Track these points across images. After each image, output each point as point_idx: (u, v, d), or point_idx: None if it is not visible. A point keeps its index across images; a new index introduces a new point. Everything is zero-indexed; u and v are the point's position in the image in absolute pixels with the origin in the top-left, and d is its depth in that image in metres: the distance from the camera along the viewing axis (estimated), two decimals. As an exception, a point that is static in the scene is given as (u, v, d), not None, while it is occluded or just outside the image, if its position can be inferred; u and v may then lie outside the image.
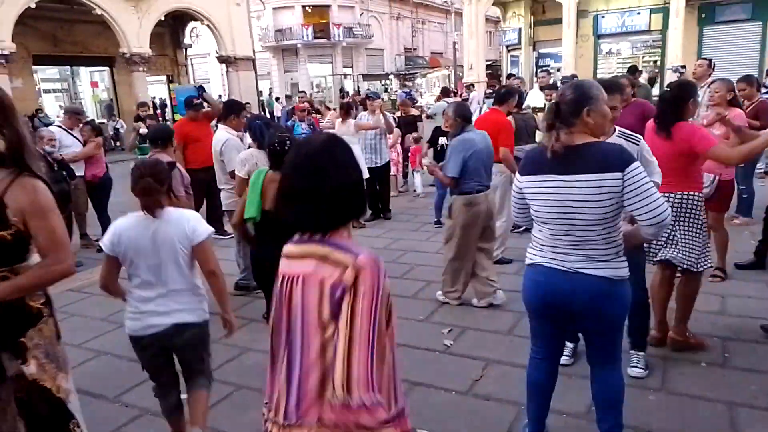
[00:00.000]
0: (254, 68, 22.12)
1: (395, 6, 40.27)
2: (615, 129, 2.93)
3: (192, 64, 28.90)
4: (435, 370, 3.52)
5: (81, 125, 7.11)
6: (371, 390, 1.30)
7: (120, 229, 2.48)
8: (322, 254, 1.42)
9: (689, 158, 3.30)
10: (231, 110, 5.71)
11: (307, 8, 35.08)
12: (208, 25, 20.58)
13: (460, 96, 16.77)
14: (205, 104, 7.03)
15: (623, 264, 2.30)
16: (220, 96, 28.54)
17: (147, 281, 2.49)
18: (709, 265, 3.46)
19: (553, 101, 2.35)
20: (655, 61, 19.01)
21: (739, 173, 6.06)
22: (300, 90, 26.80)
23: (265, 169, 3.48)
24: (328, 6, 35.42)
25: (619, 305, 2.33)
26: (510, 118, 5.75)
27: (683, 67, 9.18)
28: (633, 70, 9.11)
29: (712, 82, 5.39)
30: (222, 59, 21.23)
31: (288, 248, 1.53)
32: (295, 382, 1.43)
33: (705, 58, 7.11)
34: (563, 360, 2.97)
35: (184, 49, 23.80)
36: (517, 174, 2.49)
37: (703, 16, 18.87)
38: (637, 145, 2.90)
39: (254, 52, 22.66)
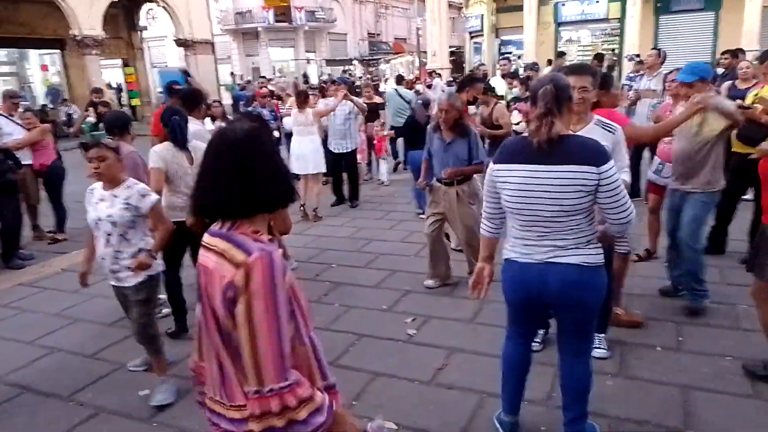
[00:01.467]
0: (213, 52, 21.59)
1: (358, -10, 39.81)
2: (593, 117, 2.94)
3: (149, 48, 27.96)
4: (398, 360, 3.52)
5: (21, 111, 6.78)
6: (282, 378, 1.36)
7: None
8: (222, 249, 1.43)
9: None
10: (195, 101, 5.16)
11: (268, -10, 34.29)
12: (164, 7, 19.92)
13: (424, 82, 16.74)
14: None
15: (594, 251, 2.29)
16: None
17: None
18: (627, 249, 3.60)
19: (548, 84, 2.22)
20: (613, 50, 19.37)
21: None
22: (261, 75, 26.37)
23: None
24: (290, -12, 34.70)
25: (591, 292, 2.33)
26: (500, 105, 5.81)
27: (638, 55, 9.37)
28: (599, 57, 9.17)
29: (668, 72, 5.51)
30: (180, 42, 20.62)
31: (204, 236, 1.53)
32: (216, 366, 1.51)
33: (656, 48, 7.28)
34: (533, 346, 2.99)
35: (139, 32, 22.96)
36: (491, 163, 2.42)
37: (659, 5, 19.29)
38: (613, 134, 2.89)
39: (213, 35, 22.08)
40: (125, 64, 22.38)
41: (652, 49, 7.35)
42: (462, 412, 2.95)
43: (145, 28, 23.41)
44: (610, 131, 2.89)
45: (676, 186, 3.97)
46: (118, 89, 22.09)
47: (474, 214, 4.50)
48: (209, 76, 20.49)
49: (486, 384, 3.13)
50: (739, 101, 4.70)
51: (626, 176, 2.92)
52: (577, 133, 2.35)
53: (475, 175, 4.61)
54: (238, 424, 1.47)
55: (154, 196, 3.07)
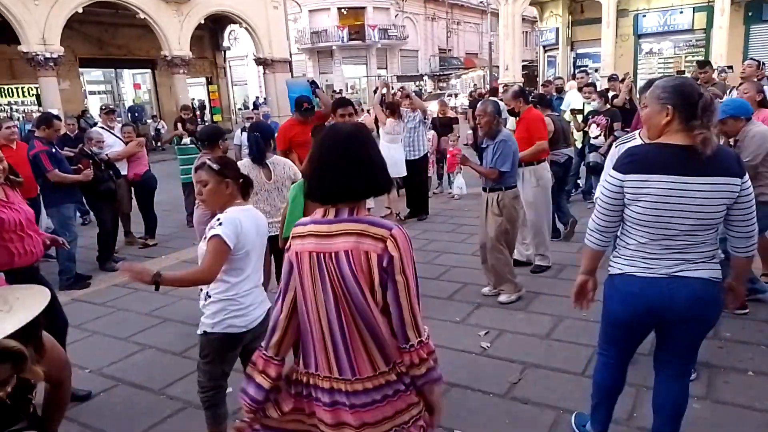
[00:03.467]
0: (290, 70, 22.42)
1: (430, 7, 40.20)
2: None
3: (230, 66, 29.47)
4: (472, 372, 3.51)
5: (122, 126, 7.34)
6: (424, 330, 1.66)
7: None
8: (360, 230, 1.61)
9: None
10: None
11: (342, 10, 35.34)
12: (246, 28, 20.94)
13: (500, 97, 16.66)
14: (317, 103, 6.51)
15: (717, 267, 2.21)
16: (257, 98, 29.04)
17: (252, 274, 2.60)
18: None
19: (709, 97, 2.13)
20: (697, 61, 18.46)
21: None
22: (333, 90, 27.10)
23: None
24: (364, 8, 35.61)
25: (714, 308, 2.26)
26: (548, 119, 5.69)
27: (730, 67, 8.87)
28: (703, 65, 8.60)
29: (740, 84, 5.24)
30: (259, 61, 21.57)
31: (314, 228, 1.68)
32: (340, 346, 1.67)
33: (753, 59, 6.90)
34: None
35: (222, 52, 24.29)
36: (612, 172, 2.25)
37: (750, 13, 18.28)
38: None
39: (290, 54, 22.96)
40: (209, 82, 23.70)
41: (750, 59, 6.97)
42: (538, 427, 2.91)
43: (228, 48, 24.72)
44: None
45: None
46: (201, 106, 23.37)
47: (497, 227, 4.55)
48: (286, 94, 21.28)
49: (562, 400, 3.07)
50: None
51: None
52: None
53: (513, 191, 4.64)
54: (361, 395, 1.66)
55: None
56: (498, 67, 25.13)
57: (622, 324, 2.38)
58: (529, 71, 28.26)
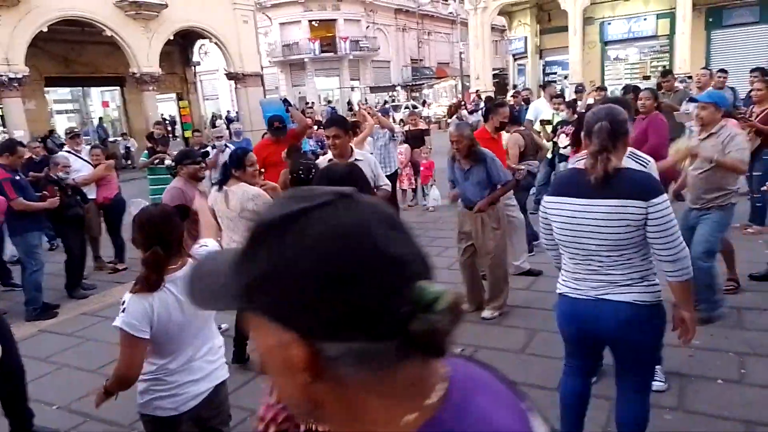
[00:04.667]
0: (262, 84, 22.31)
1: (401, 18, 40.52)
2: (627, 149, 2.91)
3: (201, 81, 29.23)
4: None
5: (90, 147, 7.21)
6: None
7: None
8: None
9: None
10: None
11: (313, 23, 35.40)
12: (216, 43, 20.80)
13: (469, 106, 16.82)
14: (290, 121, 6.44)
15: (649, 289, 2.23)
16: (228, 112, 28.87)
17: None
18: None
19: (604, 119, 2.23)
20: (663, 67, 18.94)
21: (754, 182, 6.03)
22: (307, 102, 27.05)
23: None
24: (335, 20, 35.72)
25: (645, 332, 2.27)
26: (515, 135, 5.76)
27: (690, 77, 9.12)
28: (665, 74, 8.76)
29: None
30: (230, 76, 21.42)
31: None
32: None
33: (706, 68, 7.12)
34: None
35: (192, 67, 24.08)
36: (545, 195, 2.46)
37: (710, 20, 18.82)
38: (645, 167, 2.80)
39: (262, 67, 22.87)
40: (179, 98, 23.45)
41: (702, 68, 7.19)
42: (514, 446, 2.90)
43: (198, 63, 24.52)
44: (642, 164, 2.80)
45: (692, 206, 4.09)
46: (172, 122, 23.10)
47: (498, 240, 4.55)
48: (259, 108, 21.17)
49: (538, 417, 3.07)
50: None
51: None
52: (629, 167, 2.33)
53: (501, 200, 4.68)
54: None
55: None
56: (469, 76, 25.40)
57: (567, 340, 2.50)
58: (500, 79, 28.61)
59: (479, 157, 4.48)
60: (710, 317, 3.97)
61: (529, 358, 3.83)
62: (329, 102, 26.20)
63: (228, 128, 14.72)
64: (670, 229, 2.12)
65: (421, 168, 9.28)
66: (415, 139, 9.43)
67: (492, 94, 21.42)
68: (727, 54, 18.12)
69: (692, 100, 5.23)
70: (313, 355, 0.56)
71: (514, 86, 18.88)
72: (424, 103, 29.19)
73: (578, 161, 2.98)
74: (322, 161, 3.95)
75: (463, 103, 19.43)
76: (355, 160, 3.81)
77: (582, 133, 2.47)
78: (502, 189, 4.54)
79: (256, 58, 21.90)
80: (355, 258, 0.55)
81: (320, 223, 0.57)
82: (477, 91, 21.32)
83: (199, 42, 23.35)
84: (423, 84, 37.12)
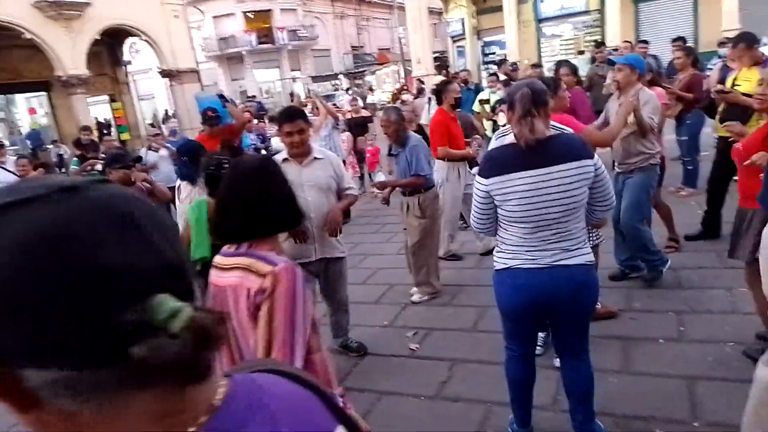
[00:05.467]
0: (199, 80, 21.65)
1: (338, 5, 40.05)
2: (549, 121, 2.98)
3: (134, 81, 28.10)
4: (402, 376, 3.50)
5: (16, 158, 6.81)
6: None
7: None
8: (246, 264, 1.58)
9: None
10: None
11: (248, 14, 34.55)
12: (146, 40, 20.01)
13: (410, 91, 16.80)
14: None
15: (589, 250, 2.36)
16: (166, 111, 27.89)
17: None
18: (599, 239, 3.65)
19: (524, 88, 2.28)
20: (595, 40, 19.43)
21: (683, 147, 6.29)
22: (248, 96, 26.44)
23: (203, 199, 3.27)
24: (269, 10, 34.97)
25: (594, 290, 2.42)
26: None
27: (616, 49, 9.43)
28: (598, 45, 9.03)
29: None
30: (164, 73, 20.67)
31: (217, 259, 1.69)
32: None
33: (628, 41, 7.35)
34: (536, 350, 2.98)
35: (123, 67, 23.08)
36: (478, 179, 2.41)
37: (637, -8, 19.38)
38: None
39: (197, 63, 22.18)
40: (112, 100, 22.46)
41: (625, 41, 7.40)
42: (469, 425, 2.93)
43: (129, 62, 23.52)
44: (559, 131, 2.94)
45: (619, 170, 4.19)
46: (107, 125, 22.15)
47: (422, 229, 4.58)
48: (197, 106, 20.57)
49: (491, 393, 3.11)
50: (719, 86, 4.75)
51: None
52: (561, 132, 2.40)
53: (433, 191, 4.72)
54: None
55: None
56: (411, 60, 25.39)
57: (514, 317, 2.49)
58: (441, 62, 28.75)
59: (403, 142, 4.51)
60: (654, 276, 4.15)
61: (480, 335, 3.87)
62: (253, 97, 25.02)
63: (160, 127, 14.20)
64: (609, 181, 2.31)
65: (367, 155, 9.23)
66: (358, 126, 9.35)
67: (436, 80, 21.51)
68: (655, 25, 18.72)
69: (610, 62, 5.36)
70: (13, 384, 0.46)
71: (447, 67, 18.93)
72: (371, 89, 29.04)
73: (501, 137, 3.02)
74: (277, 161, 3.53)
75: (405, 87, 19.41)
76: (315, 158, 3.40)
77: (506, 107, 2.47)
78: (409, 180, 4.50)
79: (190, 53, 21.22)
80: (52, 269, 0.45)
81: (17, 223, 0.46)
82: (419, 77, 21.33)
83: (128, 40, 22.39)
84: (365, 71, 36.91)
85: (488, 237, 2.59)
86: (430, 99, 9.89)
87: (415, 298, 4.63)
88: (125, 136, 21.16)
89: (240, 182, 1.67)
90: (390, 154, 4.79)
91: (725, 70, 5.84)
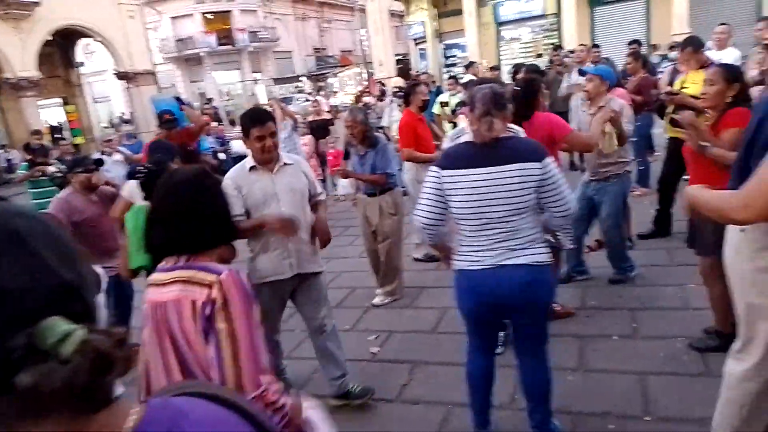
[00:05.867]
0: (156, 82, 21.21)
1: (299, 6, 39.79)
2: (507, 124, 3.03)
3: (89, 83, 27.31)
4: (363, 380, 3.47)
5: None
6: (257, 386, 1.45)
7: None
8: (186, 276, 1.54)
9: (548, 145, 3.52)
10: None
11: (207, 15, 33.97)
12: (101, 41, 19.48)
13: (374, 94, 16.81)
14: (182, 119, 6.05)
15: (542, 250, 2.36)
16: (122, 114, 27.19)
17: None
18: (571, 245, 3.65)
19: (486, 89, 2.32)
20: (553, 43, 19.85)
21: (634, 148, 6.47)
22: (207, 99, 25.96)
23: (142, 206, 3.15)
24: (229, 11, 34.47)
25: (543, 290, 2.41)
26: None
27: (572, 51, 9.71)
28: (556, 48, 9.35)
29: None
30: (120, 75, 20.19)
31: (155, 276, 1.62)
32: None
33: (584, 44, 7.55)
34: (496, 349, 2.99)
35: (77, 68, 22.39)
36: (433, 169, 2.43)
37: (592, -3, 19.90)
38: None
39: (154, 65, 21.71)
40: (65, 102, 21.76)
41: (581, 44, 7.60)
42: (429, 427, 2.93)
43: (83, 64, 22.85)
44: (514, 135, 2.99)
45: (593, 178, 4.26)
46: (60, 128, 21.44)
47: (394, 226, 4.62)
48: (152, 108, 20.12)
49: (451, 395, 3.12)
50: (668, 87, 4.91)
51: None
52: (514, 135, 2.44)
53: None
54: None
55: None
56: (372, 63, 25.43)
57: (469, 316, 2.53)
58: (404, 65, 28.85)
59: (373, 142, 4.53)
60: (619, 279, 4.28)
61: (441, 336, 3.89)
62: (210, 100, 24.10)
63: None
64: (562, 186, 2.31)
65: (329, 158, 9.18)
66: (320, 129, 9.30)
67: (401, 82, 21.59)
68: (610, 29, 19.27)
69: (582, 72, 5.49)
70: None
71: (408, 70, 19.05)
72: (320, 91, 28.94)
73: (459, 137, 3.06)
74: (242, 168, 2.99)
75: (367, 90, 19.42)
76: (285, 164, 3.00)
77: (467, 107, 2.49)
78: (375, 177, 4.53)
79: (146, 55, 20.77)
80: None
81: None
82: (381, 80, 21.38)
83: (82, 41, 21.75)
84: (328, 73, 36.76)
85: (429, 239, 2.56)
86: (392, 101, 9.93)
87: (377, 300, 4.63)
88: (79, 140, 20.53)
89: (172, 194, 1.62)
90: (347, 158, 4.78)
91: (675, 73, 6.05)
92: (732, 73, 3.11)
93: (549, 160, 2.28)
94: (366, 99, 15.17)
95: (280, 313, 3.21)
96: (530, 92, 3.57)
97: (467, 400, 2.83)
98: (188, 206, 1.58)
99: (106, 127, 24.72)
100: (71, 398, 0.44)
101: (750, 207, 1.64)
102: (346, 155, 7.62)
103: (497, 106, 2.27)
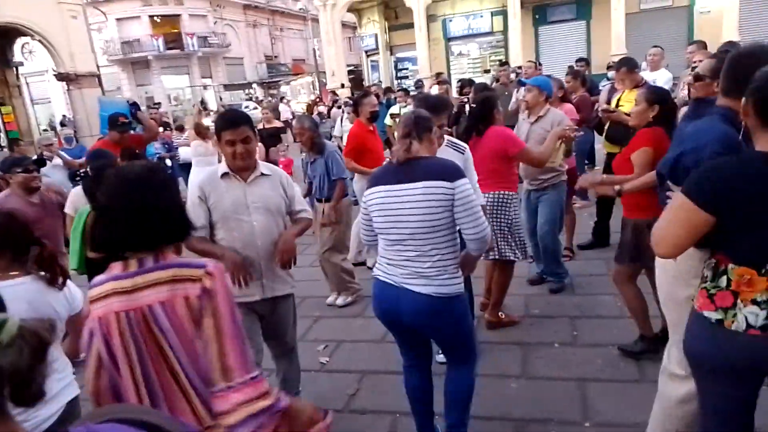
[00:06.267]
0: (100, 84, 20.44)
1: (250, 14, 39.40)
2: (444, 139, 3.15)
3: (27, 84, 26.07)
4: (312, 391, 3.45)
5: None
6: (246, 371, 1.48)
7: None
8: (172, 276, 1.51)
9: (503, 159, 3.72)
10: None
11: (155, 18, 33.18)
12: (40, 41, 18.64)
13: (327, 103, 16.85)
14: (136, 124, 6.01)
15: (448, 282, 2.33)
16: (64, 116, 26.08)
17: None
18: (520, 257, 3.82)
19: (410, 113, 2.52)
20: (500, 60, 20.44)
21: (575, 162, 6.74)
22: (155, 103, 25.26)
23: (87, 209, 3.06)
24: (178, 15, 33.78)
25: (445, 321, 2.39)
26: None
27: (520, 67, 10.05)
28: (502, 64, 9.71)
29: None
30: (61, 77, 19.33)
31: (115, 285, 1.53)
32: (164, 404, 1.53)
33: (531, 61, 7.84)
34: (440, 358, 3.04)
35: (14, 68, 21.33)
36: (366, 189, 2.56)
37: (537, 16, 20.63)
38: (463, 153, 3.12)
39: (98, 67, 20.95)
40: (1, 103, 20.67)
41: (529, 61, 7.88)
42: (376, 436, 2.95)
43: (21, 63, 21.79)
44: (459, 151, 3.12)
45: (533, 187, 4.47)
46: (-6, 131, 20.35)
47: (338, 234, 4.73)
48: (97, 111, 19.37)
49: (398, 404, 3.14)
50: (605, 105, 5.16)
51: (480, 199, 2.94)
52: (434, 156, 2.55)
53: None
54: None
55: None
56: (325, 72, 25.44)
57: (383, 323, 2.60)
58: (356, 75, 29.01)
59: (321, 148, 4.62)
60: (558, 288, 4.46)
61: (389, 345, 3.88)
62: (158, 104, 23.06)
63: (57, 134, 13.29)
64: (474, 208, 2.31)
65: (280, 166, 9.09)
66: (271, 137, 9.21)
67: (348, 90, 21.70)
68: (553, 47, 20.06)
69: (521, 83, 5.70)
70: None
71: (361, 81, 19.20)
72: (282, 99, 28.73)
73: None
74: (214, 174, 2.73)
75: (319, 99, 19.42)
76: (262, 174, 2.71)
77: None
78: (338, 189, 4.65)
79: (90, 56, 20.00)
80: None
81: None
82: (333, 90, 21.42)
83: (20, 40, 20.76)
84: (280, 81, 36.53)
85: (372, 250, 2.67)
86: (343, 111, 9.96)
87: (340, 301, 4.74)
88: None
89: (123, 191, 1.57)
90: (305, 162, 4.85)
91: (613, 92, 6.36)
92: (654, 95, 3.26)
93: (462, 181, 2.27)
94: (320, 108, 15.18)
95: (256, 334, 2.85)
96: (486, 109, 3.75)
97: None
98: (146, 201, 1.54)
99: (45, 130, 23.64)
100: (10, 386, 0.45)
101: (659, 246, 1.75)
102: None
103: (419, 129, 2.39)
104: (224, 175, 2.70)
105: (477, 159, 3.54)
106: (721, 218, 1.60)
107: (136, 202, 1.53)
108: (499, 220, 3.71)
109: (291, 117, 10.33)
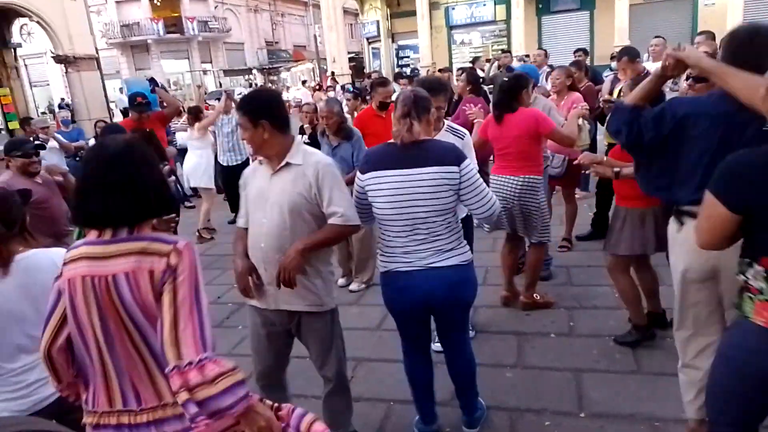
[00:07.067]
0: (99, 67, 20.27)
1: (252, -2, 39.07)
2: (444, 123, 3.13)
3: (26, 66, 25.89)
4: (307, 376, 3.44)
5: None
6: (201, 350, 1.44)
7: None
8: (141, 248, 1.51)
9: (532, 140, 3.66)
10: None
11: (155, 1, 32.85)
12: (38, 22, 18.46)
13: (325, 90, 16.72)
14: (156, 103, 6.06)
15: (465, 249, 2.45)
16: (62, 99, 25.91)
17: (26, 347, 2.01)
18: (548, 238, 3.90)
19: (409, 92, 2.42)
20: (502, 50, 20.27)
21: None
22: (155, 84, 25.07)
23: None
24: (179, -1, 33.47)
25: (471, 288, 2.50)
26: None
27: (527, 56, 9.97)
28: (504, 52, 9.68)
29: (551, 70, 5.91)
30: (59, 59, 19.15)
31: (87, 249, 1.55)
32: (126, 373, 1.55)
33: (542, 48, 7.74)
34: (434, 347, 3.04)
35: (12, 50, 21.15)
36: (358, 173, 2.50)
37: (540, 6, 20.44)
38: (462, 139, 3.09)
39: (97, 50, 20.77)
40: (-1, 86, 20.52)
41: (539, 48, 7.79)
42: (370, 424, 2.94)
43: (20, 45, 21.61)
44: (459, 137, 3.08)
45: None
46: (-8, 112, 20.22)
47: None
48: (96, 93, 19.25)
49: (392, 391, 3.14)
50: (606, 96, 5.10)
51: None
52: (435, 138, 2.53)
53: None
54: (149, 428, 1.53)
55: None
56: (326, 59, 25.25)
57: (400, 317, 2.58)
58: (357, 63, 28.79)
59: (349, 134, 4.56)
60: (546, 275, 4.43)
61: (385, 333, 3.90)
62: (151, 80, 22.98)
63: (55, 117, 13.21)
64: (481, 186, 2.36)
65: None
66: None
67: (349, 77, 21.55)
68: (556, 37, 19.88)
69: (509, 69, 5.65)
70: None
71: (362, 68, 19.07)
72: (287, 88, 28.56)
73: None
74: (252, 169, 2.50)
75: (319, 86, 19.27)
76: (288, 164, 2.29)
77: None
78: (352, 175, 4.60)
79: (89, 39, 19.80)
80: None
81: None
82: (332, 72, 21.28)
83: (18, 21, 20.58)
84: (280, 67, 36.29)
85: None
86: (343, 94, 9.90)
87: (353, 286, 4.81)
88: (14, 125, 19.42)
89: (100, 164, 1.57)
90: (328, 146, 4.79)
91: (615, 82, 6.29)
92: None
93: (466, 163, 2.32)
94: (319, 94, 15.09)
95: (270, 344, 2.57)
96: (518, 86, 3.70)
97: (408, 396, 2.86)
98: (129, 175, 1.54)
99: (43, 113, 23.52)
100: None
101: (700, 238, 1.77)
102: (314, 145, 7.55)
103: (418, 109, 2.33)
104: (262, 161, 2.42)
105: (506, 140, 3.64)
106: (750, 216, 1.60)
107: (113, 176, 1.53)
108: (528, 204, 3.73)
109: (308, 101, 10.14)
